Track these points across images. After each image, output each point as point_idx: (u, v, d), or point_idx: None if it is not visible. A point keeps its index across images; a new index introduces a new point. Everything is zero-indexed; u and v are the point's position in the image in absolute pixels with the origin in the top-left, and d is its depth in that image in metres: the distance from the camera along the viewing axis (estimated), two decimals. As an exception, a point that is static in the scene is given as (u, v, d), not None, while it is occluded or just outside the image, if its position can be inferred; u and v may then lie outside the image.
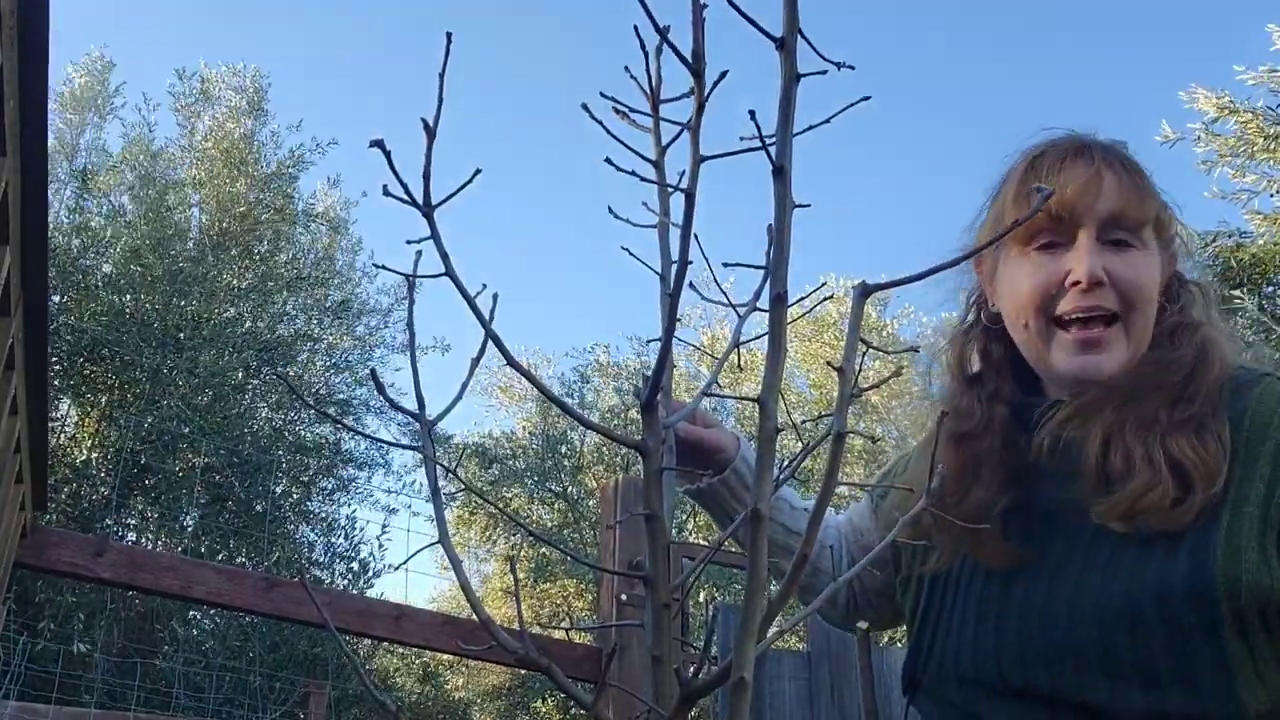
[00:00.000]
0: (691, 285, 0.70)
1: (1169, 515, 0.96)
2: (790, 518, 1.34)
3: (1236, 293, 7.28)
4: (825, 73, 0.54)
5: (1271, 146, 8.17)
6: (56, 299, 9.06)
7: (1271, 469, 0.97)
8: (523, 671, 10.56)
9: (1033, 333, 1.11)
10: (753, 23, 0.52)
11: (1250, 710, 0.91)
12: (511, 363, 0.63)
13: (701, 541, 8.94)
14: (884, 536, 1.31)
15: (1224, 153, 8.41)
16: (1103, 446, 1.03)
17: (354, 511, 10.76)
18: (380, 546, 10.24)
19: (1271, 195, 8.38)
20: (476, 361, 0.65)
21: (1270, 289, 8.20)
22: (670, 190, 0.67)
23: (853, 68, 0.55)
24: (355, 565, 10.08)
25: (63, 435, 9.47)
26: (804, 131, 0.54)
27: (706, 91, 0.58)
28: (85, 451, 9.52)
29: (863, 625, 1.47)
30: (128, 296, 9.66)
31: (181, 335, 9.74)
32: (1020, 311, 1.11)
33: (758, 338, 0.63)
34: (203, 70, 11.88)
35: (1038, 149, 1.15)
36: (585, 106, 0.65)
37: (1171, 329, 1.09)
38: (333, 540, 10.24)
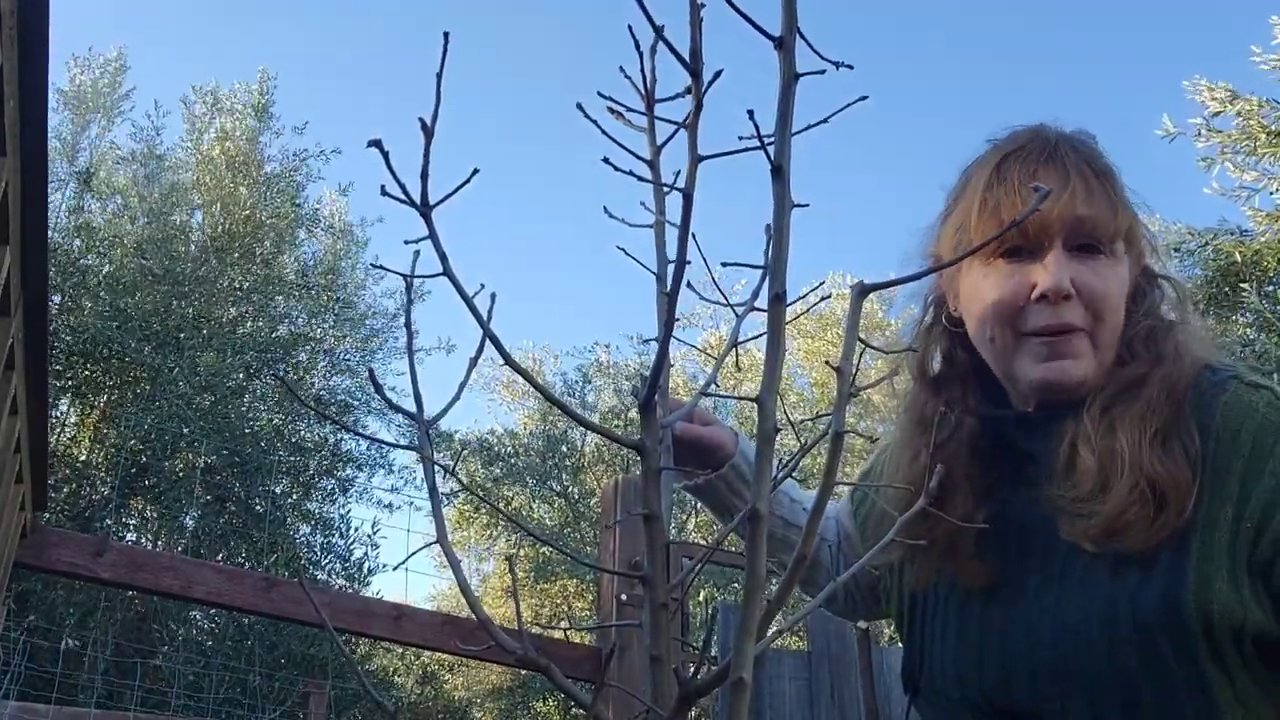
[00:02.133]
0: (690, 285, 0.70)
1: (1144, 534, 0.94)
2: (789, 511, 1.34)
3: (1244, 285, 7.25)
4: (824, 72, 0.54)
5: (1274, 143, 8.14)
6: (56, 299, 9.05)
7: (1239, 488, 0.94)
8: (522, 671, 10.54)
9: (999, 346, 1.07)
10: (751, 22, 0.52)
11: None
12: (509, 362, 0.63)
13: (701, 541, 8.93)
14: (864, 539, 1.31)
15: (1225, 148, 8.38)
16: (1073, 460, 1.00)
17: (348, 511, 10.75)
18: (374, 546, 10.25)
19: (1272, 193, 8.35)
20: (474, 362, 0.65)
21: (1270, 287, 8.18)
22: (667, 190, 0.67)
23: (851, 67, 0.55)
24: (351, 564, 10.10)
25: (63, 435, 9.47)
26: (803, 131, 0.54)
27: (704, 90, 0.58)
28: (85, 451, 9.52)
29: (861, 625, 1.47)
30: (128, 297, 9.65)
31: (182, 335, 9.74)
32: (986, 323, 1.08)
33: (757, 337, 0.63)
34: (214, 86, 11.96)
35: (1003, 149, 1.09)
36: (580, 106, 0.65)
37: (1146, 333, 1.06)
38: (331, 540, 10.25)
